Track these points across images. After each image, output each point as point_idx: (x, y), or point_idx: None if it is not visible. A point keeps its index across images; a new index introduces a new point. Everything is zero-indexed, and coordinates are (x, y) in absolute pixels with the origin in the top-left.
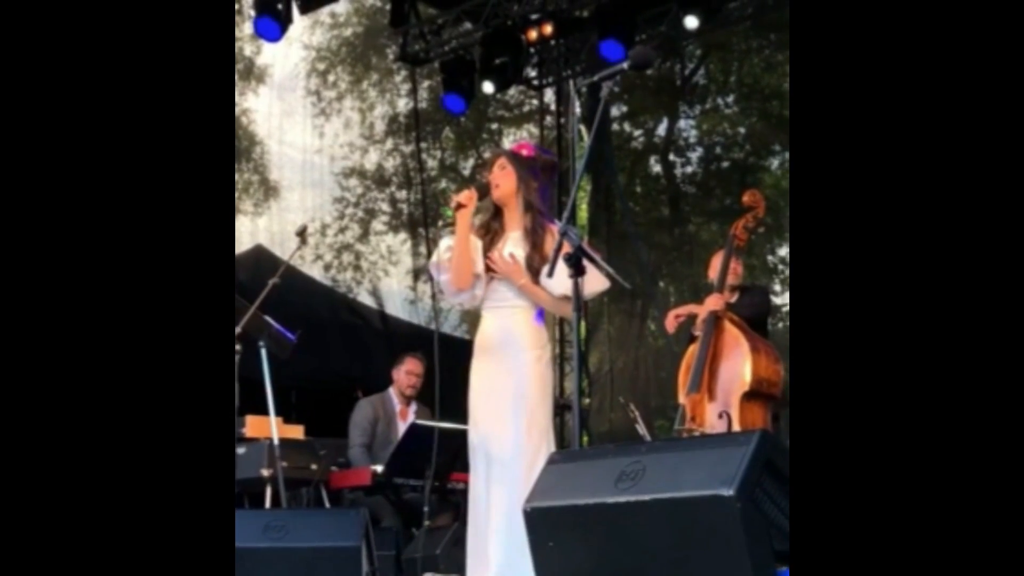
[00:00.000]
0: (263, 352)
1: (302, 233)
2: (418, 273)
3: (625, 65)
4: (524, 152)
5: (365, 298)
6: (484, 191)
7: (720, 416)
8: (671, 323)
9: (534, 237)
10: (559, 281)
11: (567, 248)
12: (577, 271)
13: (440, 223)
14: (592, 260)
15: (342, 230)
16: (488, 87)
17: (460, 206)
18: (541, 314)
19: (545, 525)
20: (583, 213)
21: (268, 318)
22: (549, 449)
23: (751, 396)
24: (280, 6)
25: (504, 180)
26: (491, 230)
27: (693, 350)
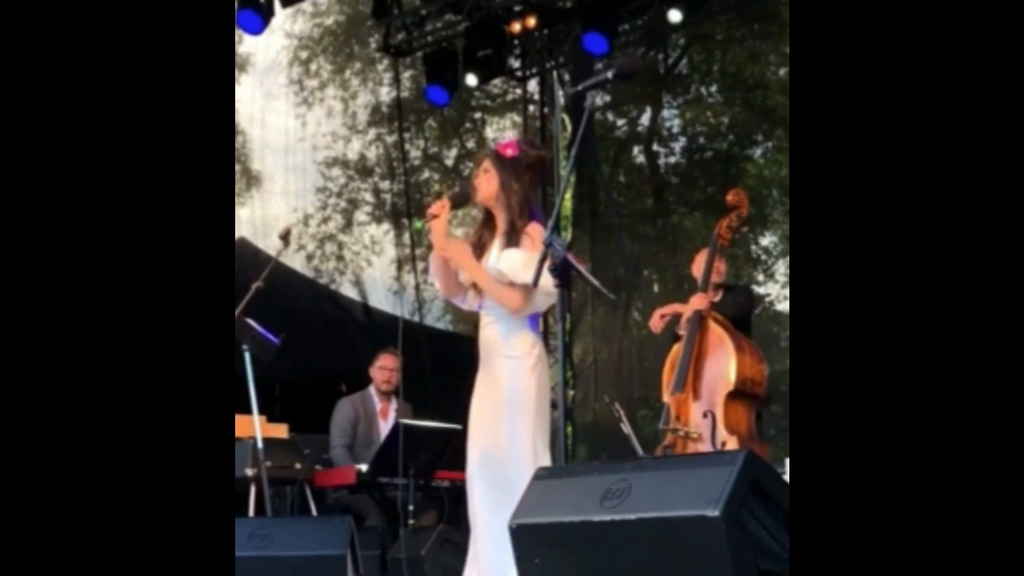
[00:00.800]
0: (246, 355)
1: (285, 236)
2: (401, 263)
3: (610, 74)
4: (509, 152)
5: (348, 289)
6: (463, 197)
7: (704, 415)
8: (656, 323)
9: (507, 240)
10: (499, 267)
11: (552, 260)
12: (563, 282)
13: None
14: (577, 272)
15: (325, 220)
16: (471, 80)
17: (433, 217)
18: (534, 321)
19: (531, 542)
20: (567, 203)
21: (251, 321)
22: (537, 455)
23: (735, 396)
24: None
25: (485, 184)
26: (482, 236)
27: (677, 349)
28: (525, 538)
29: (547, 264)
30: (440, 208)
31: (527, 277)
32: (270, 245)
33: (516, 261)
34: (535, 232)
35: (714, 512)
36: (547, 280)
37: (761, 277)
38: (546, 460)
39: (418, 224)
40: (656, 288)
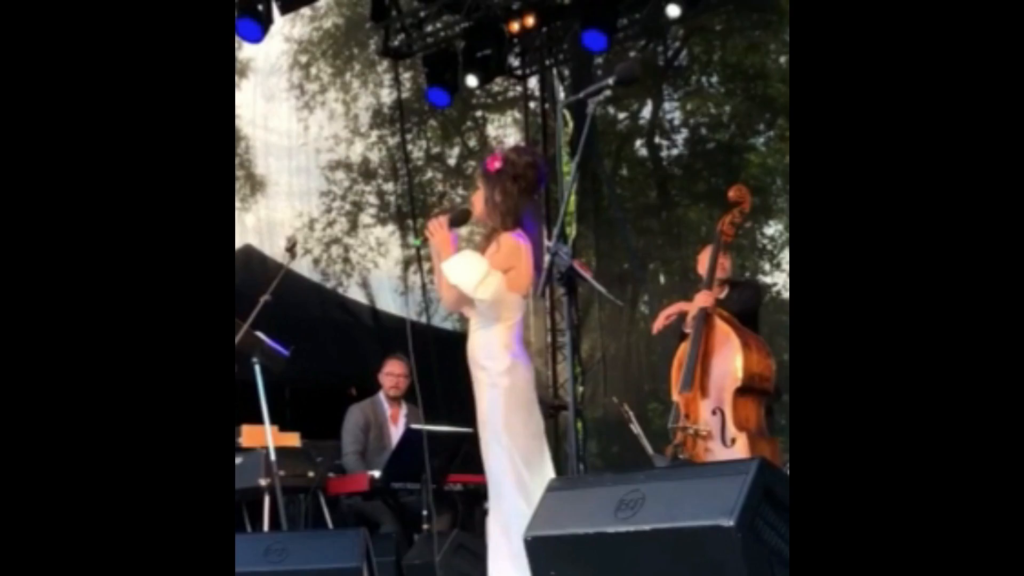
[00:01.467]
0: (256, 368)
1: (292, 249)
2: (407, 264)
3: (610, 81)
4: (495, 165)
5: (355, 291)
6: (462, 215)
7: (714, 413)
8: (659, 324)
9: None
10: (448, 268)
11: (558, 268)
12: (569, 290)
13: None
14: (583, 279)
15: (330, 224)
16: (472, 81)
17: (430, 235)
18: (517, 331)
19: (545, 554)
20: (569, 199)
21: (260, 334)
22: (519, 474)
23: (744, 391)
24: (260, 7)
25: (476, 202)
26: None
27: (685, 348)
28: (540, 550)
29: (554, 273)
30: (436, 227)
31: (454, 278)
32: (276, 249)
33: (454, 260)
34: (503, 241)
35: (729, 522)
36: (483, 292)
37: (767, 267)
38: (533, 475)
39: (416, 241)
40: (662, 280)
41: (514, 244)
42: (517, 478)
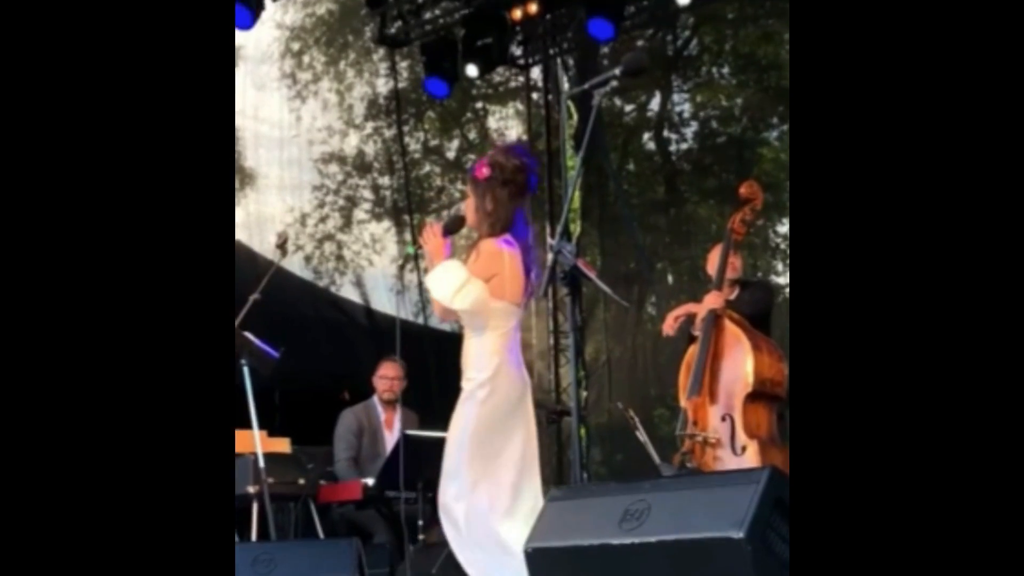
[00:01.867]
0: (245, 370)
1: (282, 246)
2: (403, 262)
3: (617, 71)
4: (483, 172)
5: (348, 290)
6: (456, 223)
7: (723, 419)
8: (669, 326)
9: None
10: (429, 280)
11: (561, 267)
12: (573, 290)
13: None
14: (587, 278)
15: (323, 219)
16: (472, 70)
17: (423, 244)
18: (510, 343)
19: (547, 566)
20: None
21: (249, 334)
22: (473, 490)
23: (755, 397)
24: None
25: (467, 209)
26: None
27: (693, 351)
28: (541, 562)
29: (557, 272)
30: (430, 235)
31: (433, 290)
32: (266, 245)
33: (434, 272)
34: (483, 247)
35: (739, 533)
36: (460, 301)
37: (780, 266)
38: (501, 518)
39: (410, 248)
40: (670, 280)
41: (495, 251)
42: (470, 501)
